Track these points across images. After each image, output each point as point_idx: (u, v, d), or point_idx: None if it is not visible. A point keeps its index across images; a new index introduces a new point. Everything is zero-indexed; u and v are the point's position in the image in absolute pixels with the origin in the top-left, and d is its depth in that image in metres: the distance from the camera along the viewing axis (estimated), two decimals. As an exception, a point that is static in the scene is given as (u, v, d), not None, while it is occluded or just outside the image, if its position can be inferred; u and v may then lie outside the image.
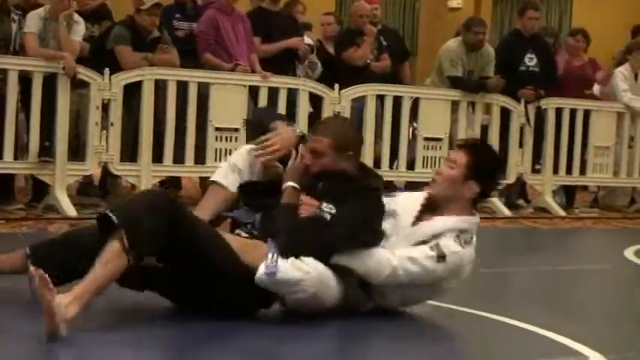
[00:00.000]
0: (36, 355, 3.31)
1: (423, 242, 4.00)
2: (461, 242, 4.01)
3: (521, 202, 9.89)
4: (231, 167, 4.19)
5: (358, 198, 3.96)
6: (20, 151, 7.70)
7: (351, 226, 3.89)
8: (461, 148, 4.22)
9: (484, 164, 4.12)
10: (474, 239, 4.10)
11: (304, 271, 3.72)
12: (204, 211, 4.09)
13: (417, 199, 4.20)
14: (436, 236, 4.00)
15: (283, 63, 8.78)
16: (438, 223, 4.04)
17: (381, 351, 3.77)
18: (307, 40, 9.29)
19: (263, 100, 8.35)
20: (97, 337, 3.42)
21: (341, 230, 3.88)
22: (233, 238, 3.86)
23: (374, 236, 3.99)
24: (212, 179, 4.24)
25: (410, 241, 4.03)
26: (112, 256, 3.47)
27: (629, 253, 6.88)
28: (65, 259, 3.77)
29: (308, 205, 3.93)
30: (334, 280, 3.86)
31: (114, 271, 3.49)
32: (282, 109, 8.37)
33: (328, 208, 3.89)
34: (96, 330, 3.46)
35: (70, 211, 7.38)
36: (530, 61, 9.73)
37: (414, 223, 4.08)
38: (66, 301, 3.33)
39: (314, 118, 8.56)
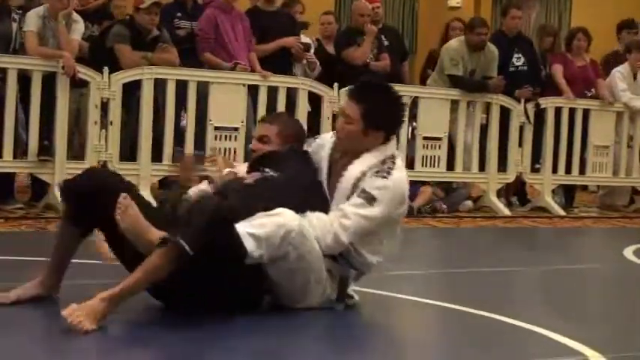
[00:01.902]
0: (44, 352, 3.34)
1: (351, 194, 3.98)
2: (383, 174, 3.96)
3: (514, 199, 9.94)
4: None
5: (296, 162, 4.11)
6: (19, 150, 7.73)
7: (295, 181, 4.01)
8: (352, 98, 4.12)
9: (379, 111, 4.05)
10: (398, 160, 4.05)
11: (280, 223, 3.72)
12: None
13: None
14: (357, 182, 3.97)
15: (280, 62, 8.77)
16: (353, 170, 4.00)
17: (377, 352, 3.76)
18: (304, 39, 9.28)
19: (262, 100, 8.37)
20: (99, 336, 3.42)
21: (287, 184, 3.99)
22: None
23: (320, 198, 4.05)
24: None
25: (341, 197, 4.01)
26: (161, 267, 3.52)
27: (628, 252, 6.86)
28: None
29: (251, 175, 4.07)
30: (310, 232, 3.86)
31: (154, 280, 3.58)
32: (281, 107, 8.41)
33: (271, 173, 4.04)
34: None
35: None
36: (518, 60, 9.78)
37: (338, 180, 4.06)
38: (103, 296, 3.45)
39: (313, 117, 8.65)
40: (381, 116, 4.05)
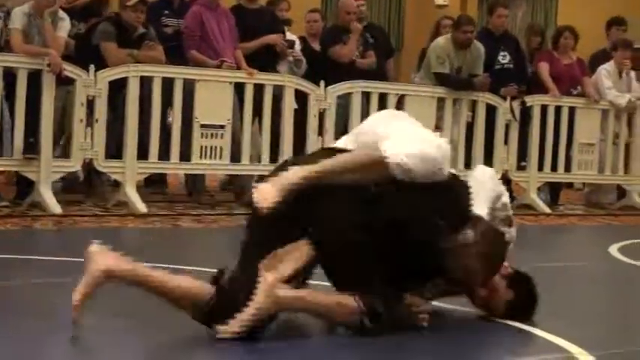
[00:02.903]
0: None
1: None
2: None
3: None
4: None
5: None
6: (4, 148, 7.73)
7: None
8: None
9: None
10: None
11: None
12: None
13: None
14: None
15: (265, 60, 8.81)
16: None
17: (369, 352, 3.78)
18: (289, 36, 9.34)
19: (249, 97, 8.40)
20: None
21: None
22: None
23: None
24: None
25: None
26: (344, 311, 3.56)
27: (613, 250, 6.91)
28: None
29: None
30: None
31: (333, 318, 3.63)
32: (267, 105, 8.48)
33: None
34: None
35: (55, 208, 7.40)
36: (504, 58, 9.83)
37: None
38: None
39: (299, 114, 8.71)
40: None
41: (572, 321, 4.26)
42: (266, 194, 3.53)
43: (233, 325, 3.38)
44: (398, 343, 3.57)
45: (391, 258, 3.64)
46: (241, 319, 3.39)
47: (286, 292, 3.49)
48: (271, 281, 3.45)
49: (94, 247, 3.57)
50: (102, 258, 3.52)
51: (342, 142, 4.04)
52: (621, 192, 10.75)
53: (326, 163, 3.64)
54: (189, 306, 3.45)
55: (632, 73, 10.50)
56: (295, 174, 3.56)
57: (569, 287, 5.59)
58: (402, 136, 3.76)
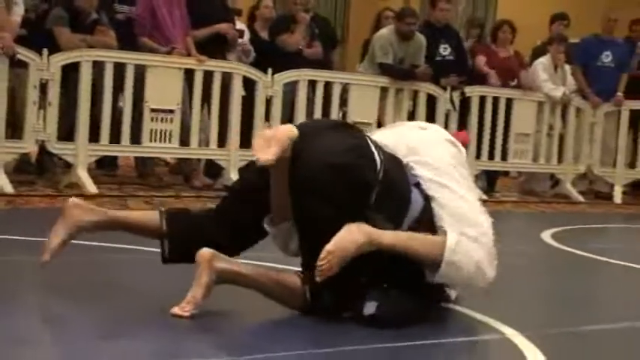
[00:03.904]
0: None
1: None
2: None
3: None
4: None
5: None
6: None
7: None
8: None
9: None
10: None
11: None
12: None
13: None
14: None
15: (214, 48, 8.81)
16: None
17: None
18: (238, 25, 9.35)
19: (198, 83, 8.45)
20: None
21: None
22: None
23: None
24: None
25: None
26: (287, 291, 3.52)
27: (546, 235, 6.95)
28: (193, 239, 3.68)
29: None
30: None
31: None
32: (216, 91, 8.51)
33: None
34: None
35: (7, 187, 7.39)
36: (445, 50, 9.92)
37: None
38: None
39: (247, 101, 8.72)
40: None
41: (505, 303, 4.20)
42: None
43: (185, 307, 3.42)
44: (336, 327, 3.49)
45: None
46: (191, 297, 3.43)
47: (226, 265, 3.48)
48: (209, 256, 3.43)
49: (72, 200, 3.79)
50: (77, 211, 3.76)
51: (378, 136, 3.84)
52: (555, 181, 10.95)
53: (398, 239, 3.46)
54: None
55: (567, 67, 10.66)
56: (373, 236, 3.39)
57: (503, 271, 5.65)
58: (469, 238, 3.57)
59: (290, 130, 3.49)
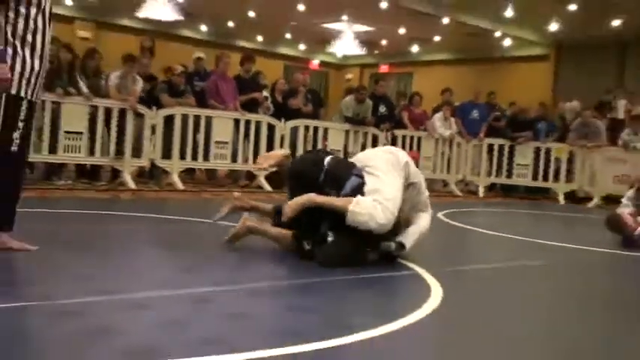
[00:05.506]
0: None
1: None
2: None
3: None
4: None
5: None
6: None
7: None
8: None
9: None
10: None
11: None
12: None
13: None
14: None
15: (251, 106, 8.61)
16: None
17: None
18: (264, 93, 9.25)
19: (242, 127, 8.22)
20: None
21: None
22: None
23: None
24: None
25: None
26: (286, 241, 3.55)
27: (441, 215, 6.59)
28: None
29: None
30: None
31: (280, 243, 3.60)
32: (252, 132, 8.36)
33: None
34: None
35: (132, 185, 7.15)
36: (382, 109, 9.77)
37: None
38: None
39: (269, 137, 8.58)
40: None
41: (416, 256, 3.85)
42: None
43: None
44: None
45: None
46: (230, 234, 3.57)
47: (254, 223, 3.63)
48: (244, 218, 3.60)
49: (235, 194, 3.86)
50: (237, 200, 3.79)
51: (361, 154, 3.78)
52: (444, 183, 10.61)
53: (325, 200, 3.40)
54: None
55: (452, 119, 10.46)
56: (311, 198, 3.38)
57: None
58: (372, 199, 3.41)
59: (283, 152, 3.83)
